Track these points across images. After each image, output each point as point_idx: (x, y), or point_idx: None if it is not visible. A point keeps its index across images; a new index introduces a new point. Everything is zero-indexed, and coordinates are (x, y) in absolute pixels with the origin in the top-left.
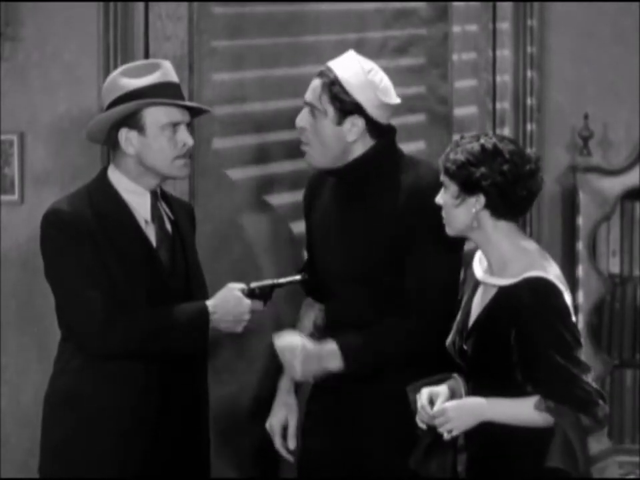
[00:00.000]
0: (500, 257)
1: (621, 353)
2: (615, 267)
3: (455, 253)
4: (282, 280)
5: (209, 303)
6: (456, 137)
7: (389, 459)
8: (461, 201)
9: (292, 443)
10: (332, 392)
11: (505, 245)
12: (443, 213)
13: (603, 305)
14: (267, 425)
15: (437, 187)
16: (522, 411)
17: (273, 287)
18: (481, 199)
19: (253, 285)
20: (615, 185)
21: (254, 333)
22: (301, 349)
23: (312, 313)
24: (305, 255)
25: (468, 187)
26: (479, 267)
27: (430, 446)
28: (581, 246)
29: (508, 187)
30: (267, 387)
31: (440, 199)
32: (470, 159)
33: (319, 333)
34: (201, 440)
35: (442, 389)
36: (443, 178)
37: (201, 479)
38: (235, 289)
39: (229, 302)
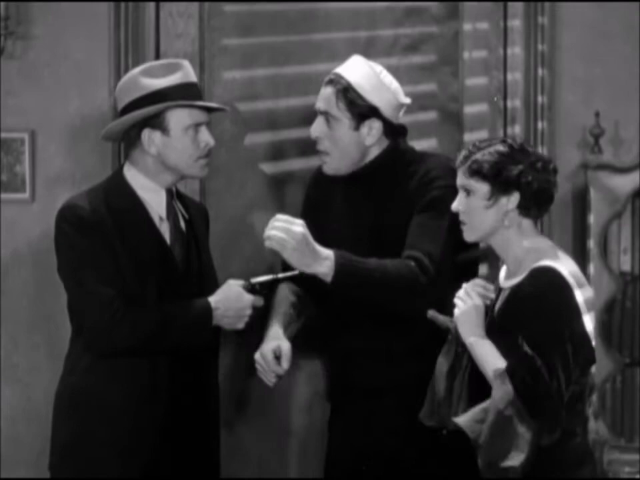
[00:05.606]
0: (515, 258)
1: (632, 351)
2: (626, 265)
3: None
4: (282, 275)
5: (211, 299)
6: (467, 134)
7: (414, 462)
8: (493, 201)
9: (285, 364)
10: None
11: (522, 245)
12: (465, 219)
13: (614, 303)
14: (257, 355)
15: (447, 170)
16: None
17: (273, 282)
18: (513, 198)
19: (253, 280)
20: (626, 183)
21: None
22: (302, 235)
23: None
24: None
25: (503, 186)
26: (502, 274)
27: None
28: (592, 244)
29: (542, 183)
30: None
31: (459, 205)
32: (503, 159)
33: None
34: (211, 438)
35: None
36: (466, 182)
37: (211, 477)
38: (235, 284)
39: (229, 298)
